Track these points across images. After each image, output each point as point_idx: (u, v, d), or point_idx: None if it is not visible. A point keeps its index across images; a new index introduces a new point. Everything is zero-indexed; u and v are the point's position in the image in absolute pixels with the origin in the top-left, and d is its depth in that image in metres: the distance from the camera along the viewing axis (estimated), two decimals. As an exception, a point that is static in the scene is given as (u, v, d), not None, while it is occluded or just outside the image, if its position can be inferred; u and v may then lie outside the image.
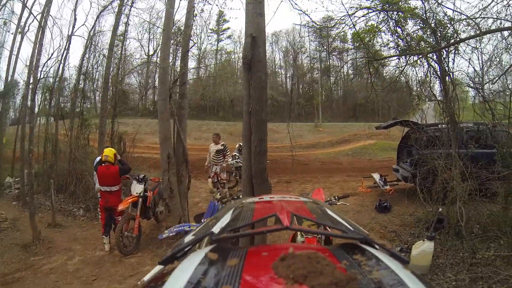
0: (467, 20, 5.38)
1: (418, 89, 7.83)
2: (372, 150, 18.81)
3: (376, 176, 9.78)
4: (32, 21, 10.34)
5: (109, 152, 6.19)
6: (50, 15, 9.45)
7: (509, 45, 5.40)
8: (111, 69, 10.42)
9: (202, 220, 4.34)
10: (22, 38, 11.60)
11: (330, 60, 35.65)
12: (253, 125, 3.72)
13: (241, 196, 4.04)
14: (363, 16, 6.87)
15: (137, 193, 6.24)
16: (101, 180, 6.12)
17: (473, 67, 6.13)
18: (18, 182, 9.56)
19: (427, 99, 7.87)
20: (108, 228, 6.11)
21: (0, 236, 6.86)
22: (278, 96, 33.21)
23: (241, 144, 8.75)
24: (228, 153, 9.39)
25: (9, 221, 7.49)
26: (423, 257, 4.62)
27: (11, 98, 15.75)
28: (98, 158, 6.72)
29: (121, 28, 11.00)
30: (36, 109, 10.54)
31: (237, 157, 9.69)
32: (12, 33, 11.92)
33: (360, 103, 30.69)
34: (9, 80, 12.85)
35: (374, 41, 7.85)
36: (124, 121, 15.53)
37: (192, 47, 7.79)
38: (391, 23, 6.94)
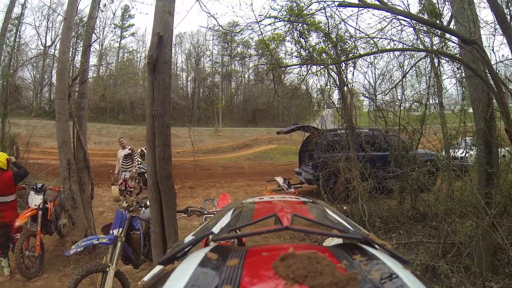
0: (366, 38, 6.03)
1: (318, 96, 8.48)
2: (273, 154, 19.77)
3: (280, 179, 10.22)
4: None
5: (0, 156, 5.23)
6: None
7: (400, 63, 6.26)
8: (2, 58, 8.83)
9: (111, 232, 3.98)
10: None
11: (232, 65, 36.38)
12: (156, 129, 3.55)
13: (148, 203, 3.85)
14: (270, 24, 7.12)
15: (35, 205, 5.39)
16: None
17: (368, 80, 6.95)
18: None
19: (326, 106, 8.59)
20: (5, 249, 5.05)
21: None
22: (178, 99, 32.49)
23: (144, 149, 8.25)
24: (136, 157, 8.91)
25: None
26: (334, 252, 4.96)
27: None
28: None
29: (17, 10, 9.47)
30: None
31: (139, 162, 9.14)
32: None
33: (261, 108, 31.99)
34: None
35: (278, 49, 8.25)
36: (16, 122, 13.23)
37: (94, 41, 7.05)
38: (295, 33, 7.34)
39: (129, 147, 8.90)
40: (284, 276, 0.60)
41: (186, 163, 15.52)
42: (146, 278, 0.85)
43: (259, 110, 33.15)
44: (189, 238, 1.12)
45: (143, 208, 4.35)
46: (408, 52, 5.90)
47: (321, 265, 0.61)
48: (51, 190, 6.29)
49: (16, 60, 10.45)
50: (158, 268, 0.91)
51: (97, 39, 7.91)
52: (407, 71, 6.03)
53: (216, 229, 1.03)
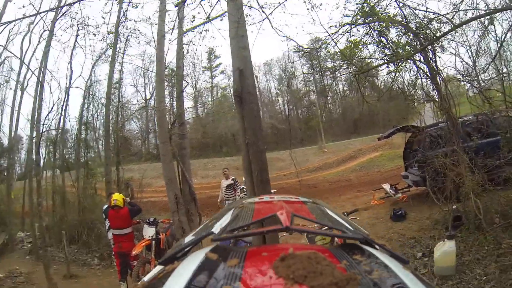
0: (443, 18, 5.48)
1: (412, 92, 7.88)
2: (379, 161, 18.62)
3: (387, 186, 9.66)
4: (31, 76, 10.71)
5: (117, 196, 6.20)
6: (48, 69, 9.73)
7: (489, 31, 5.46)
8: (111, 117, 10.61)
9: None
10: (22, 93, 12.00)
11: (324, 80, 35.95)
12: (252, 156, 3.71)
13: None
14: (347, 32, 6.99)
15: (149, 236, 6.15)
16: (113, 223, 6.13)
17: (462, 60, 6.19)
18: (30, 236, 9.63)
19: (423, 101, 7.93)
20: (124, 274, 6.00)
21: (17, 291, 6.75)
22: (278, 124, 33.20)
23: (246, 177, 8.70)
24: (239, 186, 9.32)
25: (24, 276, 7.50)
26: (446, 257, 4.45)
27: (16, 153, 16.22)
28: (105, 206, 6.76)
29: (116, 75, 11.35)
30: (42, 163, 10.74)
31: (245, 190, 9.58)
32: (12, 89, 12.01)
33: (359, 117, 30.62)
34: (12, 135, 13.10)
35: (361, 53, 8.01)
36: (130, 167, 15.43)
37: (186, 87, 7.97)
38: (374, 34, 7.08)
39: (232, 177, 9.33)
40: (284, 276, 0.61)
41: (293, 184, 15.65)
42: (146, 279, 0.88)
43: (358, 120, 31.74)
44: (189, 238, 1.14)
45: None
46: (500, 16, 5.12)
47: (321, 265, 0.62)
48: (162, 222, 6.97)
49: (122, 116, 12.33)
50: (158, 268, 0.93)
51: (187, 84, 8.92)
52: (503, 38, 5.20)
53: (216, 229, 1.03)
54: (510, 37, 5.52)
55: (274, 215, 1.04)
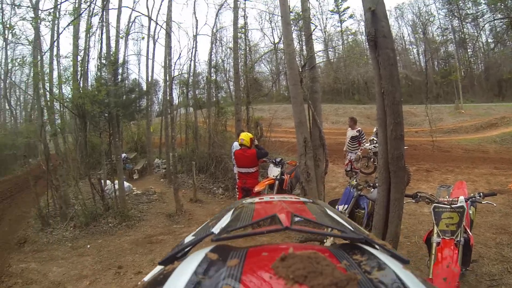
0: None
1: None
2: (527, 137, 16.19)
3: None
4: (160, 29, 13.11)
5: (245, 136, 6.38)
6: (174, 21, 11.01)
7: None
8: (239, 60, 11.08)
9: (337, 207, 4.21)
10: (154, 45, 15.28)
11: (464, 29, 30.16)
12: (387, 107, 3.40)
13: (377, 184, 3.79)
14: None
15: (273, 176, 6.37)
16: (239, 162, 6.40)
17: None
18: (165, 163, 11.56)
19: None
20: None
21: (150, 206, 8.25)
22: (412, 75, 29.91)
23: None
24: (364, 140, 8.93)
25: (157, 194, 9.04)
26: None
27: (154, 95, 19.99)
28: (235, 144, 7.21)
29: (241, 21, 11.85)
30: (176, 101, 12.22)
31: (375, 141, 8.93)
32: (145, 42, 14.51)
33: (506, 78, 25.70)
34: (149, 80, 16.30)
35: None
36: (260, 107, 16.23)
37: (314, 30, 7.60)
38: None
39: (358, 128, 8.90)
40: (284, 276, 0.61)
41: (424, 143, 14.22)
42: (146, 278, 0.86)
43: (505, 80, 26.72)
44: (189, 238, 1.14)
45: (372, 188, 4.28)
46: None
47: (321, 265, 0.63)
48: (289, 164, 7.09)
49: (251, 59, 13.36)
50: (158, 268, 0.93)
51: (315, 27, 8.46)
52: None
53: (216, 229, 1.04)
54: None
55: (274, 215, 1.05)
